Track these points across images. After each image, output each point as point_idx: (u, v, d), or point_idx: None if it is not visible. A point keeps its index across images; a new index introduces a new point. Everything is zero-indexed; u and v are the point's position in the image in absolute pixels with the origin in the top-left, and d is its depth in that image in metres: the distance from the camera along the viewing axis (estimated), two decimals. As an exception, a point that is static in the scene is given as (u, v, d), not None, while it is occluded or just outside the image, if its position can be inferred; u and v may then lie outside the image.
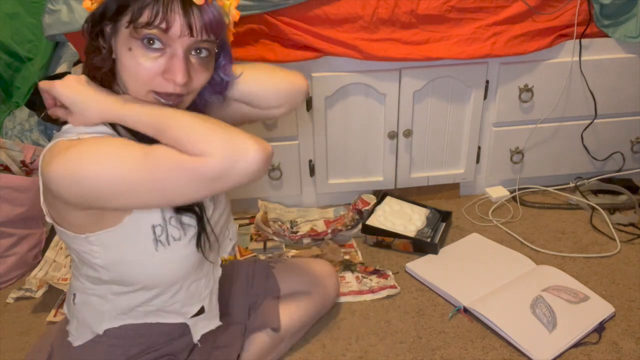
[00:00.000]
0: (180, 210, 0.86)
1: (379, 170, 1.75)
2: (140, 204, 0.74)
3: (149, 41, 0.73)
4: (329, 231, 1.61)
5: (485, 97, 1.66)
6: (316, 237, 1.60)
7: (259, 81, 0.93)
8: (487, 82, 1.63)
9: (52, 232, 1.63)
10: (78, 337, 0.92)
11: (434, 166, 1.77)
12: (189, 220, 0.87)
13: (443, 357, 1.19)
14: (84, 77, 0.80)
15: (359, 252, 1.56)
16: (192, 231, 0.87)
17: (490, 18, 1.52)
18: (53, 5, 1.39)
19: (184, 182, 0.70)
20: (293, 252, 1.55)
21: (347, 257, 1.53)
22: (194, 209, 0.87)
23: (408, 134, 1.67)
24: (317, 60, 1.52)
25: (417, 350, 1.22)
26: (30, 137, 1.70)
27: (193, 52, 0.76)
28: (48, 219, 0.83)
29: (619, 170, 1.83)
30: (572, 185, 1.84)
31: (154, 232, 0.83)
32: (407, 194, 1.79)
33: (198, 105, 0.89)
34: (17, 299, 1.42)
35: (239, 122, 1.00)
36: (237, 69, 0.92)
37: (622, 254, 1.52)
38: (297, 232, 1.64)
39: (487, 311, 1.27)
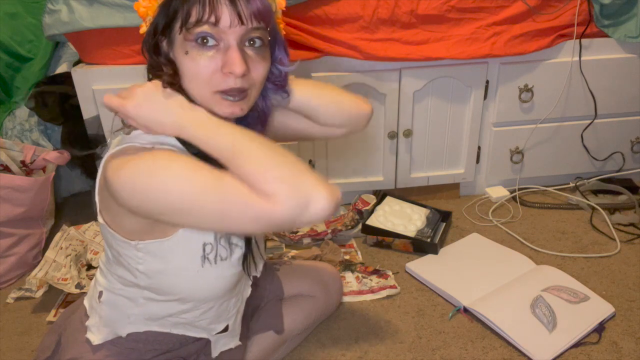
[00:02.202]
0: None
1: (379, 170, 1.75)
2: (197, 226, 0.74)
3: (202, 40, 0.73)
4: (329, 231, 1.61)
5: (485, 97, 1.66)
6: (316, 237, 1.60)
7: (322, 95, 0.94)
8: (487, 82, 1.63)
9: (52, 232, 1.63)
10: (98, 336, 0.91)
11: (434, 166, 1.77)
12: (237, 240, 0.88)
13: (443, 357, 1.19)
14: (159, 85, 0.76)
15: (359, 252, 1.56)
16: (239, 252, 0.88)
17: (490, 18, 1.52)
18: (53, 5, 1.39)
19: (247, 221, 0.67)
20: (293, 252, 1.54)
21: (347, 257, 1.53)
22: None
23: (408, 134, 1.67)
24: (317, 60, 1.52)
25: (417, 350, 1.22)
26: (30, 137, 1.70)
27: (247, 44, 0.76)
28: (99, 219, 0.83)
29: (619, 170, 1.83)
30: (572, 185, 1.84)
31: (204, 250, 0.83)
32: (407, 194, 1.79)
33: (264, 109, 0.89)
34: (17, 299, 1.42)
35: (299, 138, 1.02)
36: (301, 82, 0.92)
37: (622, 254, 1.52)
38: (297, 232, 1.64)
39: (487, 311, 1.27)
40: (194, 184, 0.68)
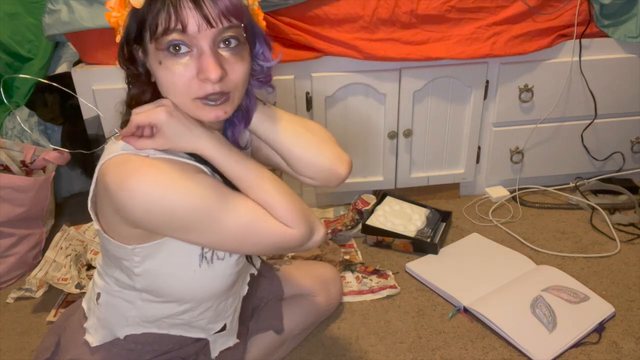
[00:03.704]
0: None
1: (379, 170, 1.75)
2: (210, 244, 0.78)
3: (174, 47, 0.70)
4: (329, 231, 1.61)
5: (485, 97, 1.66)
6: (316, 237, 1.60)
7: (302, 145, 0.89)
8: (487, 82, 1.63)
9: (52, 232, 1.63)
10: (96, 337, 0.91)
11: (434, 166, 1.77)
12: None
13: (443, 357, 1.19)
14: (170, 102, 0.75)
15: (359, 252, 1.56)
16: (236, 254, 0.87)
17: (490, 18, 1.52)
18: (53, 5, 1.39)
19: (266, 243, 0.79)
20: (293, 252, 1.54)
21: (347, 257, 1.53)
22: None
23: (408, 134, 1.67)
24: (317, 60, 1.52)
25: (417, 350, 1.22)
26: (30, 137, 1.70)
27: (222, 45, 0.72)
28: (95, 225, 0.82)
29: (619, 170, 1.83)
30: (572, 185, 1.84)
31: (202, 248, 0.82)
32: (407, 194, 1.79)
33: (248, 106, 0.86)
34: (17, 299, 1.42)
35: (274, 166, 0.99)
36: (286, 125, 0.90)
37: (622, 254, 1.52)
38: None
39: (487, 311, 1.27)
40: (229, 213, 0.75)
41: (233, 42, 0.73)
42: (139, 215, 0.72)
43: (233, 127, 0.87)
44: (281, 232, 0.78)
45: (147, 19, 0.71)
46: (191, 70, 0.72)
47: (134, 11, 0.72)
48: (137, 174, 0.71)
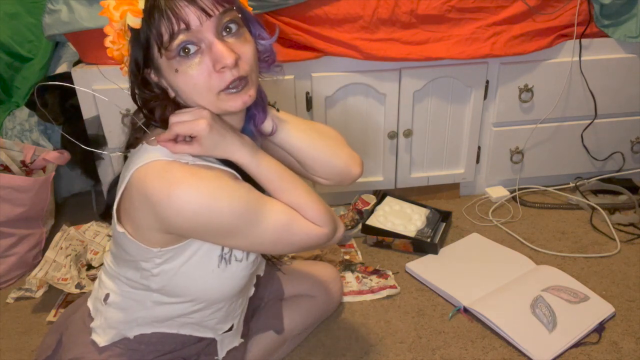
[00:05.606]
0: None
1: (379, 170, 1.75)
2: (247, 247, 0.82)
3: (184, 51, 0.72)
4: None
5: (485, 97, 1.66)
6: (316, 237, 1.60)
7: (316, 146, 0.93)
8: (487, 82, 1.63)
9: (52, 232, 1.63)
10: (104, 337, 0.91)
11: (434, 166, 1.77)
12: None
13: (443, 357, 1.19)
14: (209, 113, 0.77)
15: (359, 252, 1.56)
16: (252, 256, 0.89)
17: (490, 18, 1.52)
18: (53, 5, 1.39)
19: (300, 244, 0.83)
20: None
21: (347, 257, 1.53)
22: None
23: (408, 134, 1.67)
24: (317, 60, 1.52)
25: (417, 350, 1.22)
26: (30, 137, 1.70)
27: (224, 33, 0.75)
28: (119, 229, 0.81)
29: (619, 170, 1.83)
30: (572, 185, 1.84)
31: (222, 249, 0.84)
32: (407, 194, 1.79)
33: (261, 94, 0.87)
34: (17, 299, 1.42)
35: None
36: (299, 126, 0.92)
37: (622, 254, 1.52)
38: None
39: (487, 311, 1.27)
40: (260, 209, 0.78)
41: (233, 27, 0.75)
42: (183, 224, 0.74)
43: (254, 119, 0.89)
44: (314, 231, 0.82)
45: (150, 34, 0.72)
46: (207, 65, 0.74)
47: (135, 35, 0.74)
48: (182, 184, 0.73)
